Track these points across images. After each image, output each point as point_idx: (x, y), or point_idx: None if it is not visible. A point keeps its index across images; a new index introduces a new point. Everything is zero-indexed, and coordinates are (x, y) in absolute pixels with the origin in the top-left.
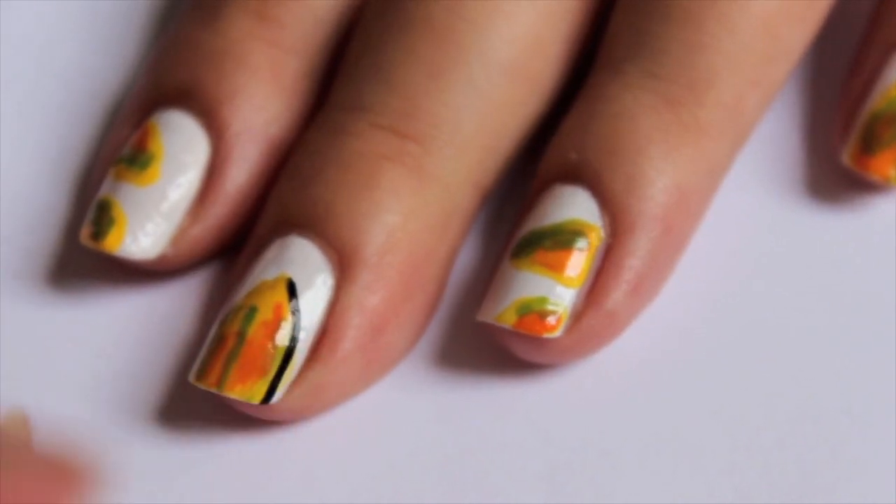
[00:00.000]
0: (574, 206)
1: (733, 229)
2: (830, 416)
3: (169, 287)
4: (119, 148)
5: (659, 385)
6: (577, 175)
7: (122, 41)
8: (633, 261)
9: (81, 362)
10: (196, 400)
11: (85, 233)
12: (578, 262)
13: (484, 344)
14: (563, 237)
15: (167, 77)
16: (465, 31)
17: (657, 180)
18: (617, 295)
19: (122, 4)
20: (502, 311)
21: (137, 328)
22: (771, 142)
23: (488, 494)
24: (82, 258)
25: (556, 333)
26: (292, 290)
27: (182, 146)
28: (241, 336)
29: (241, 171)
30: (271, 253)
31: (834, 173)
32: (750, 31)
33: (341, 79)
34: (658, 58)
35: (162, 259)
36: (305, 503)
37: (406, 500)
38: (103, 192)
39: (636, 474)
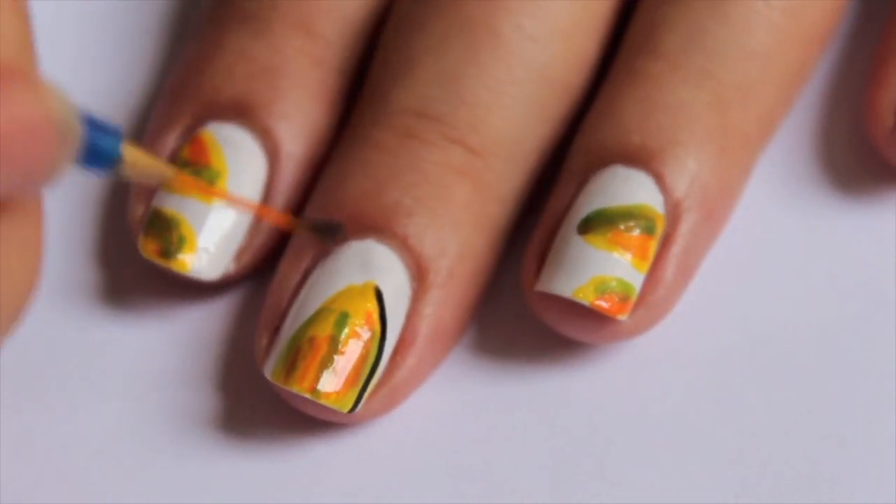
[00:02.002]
0: (643, 191)
1: (735, 228)
2: (837, 410)
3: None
4: (170, 154)
5: (664, 375)
6: (639, 159)
7: (130, 40)
8: (684, 250)
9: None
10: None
11: (150, 247)
12: (651, 248)
13: (488, 335)
14: (640, 222)
15: (221, 88)
16: (532, 51)
17: (711, 177)
18: (670, 280)
19: (124, 5)
20: (581, 287)
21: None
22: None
23: (493, 484)
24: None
25: (626, 316)
26: (379, 298)
27: (243, 164)
28: (335, 342)
29: (293, 191)
30: (352, 257)
31: (831, 168)
32: (793, 48)
33: (400, 78)
34: (714, 58)
35: (223, 277)
36: (309, 494)
37: (412, 490)
38: (167, 205)
39: (641, 465)
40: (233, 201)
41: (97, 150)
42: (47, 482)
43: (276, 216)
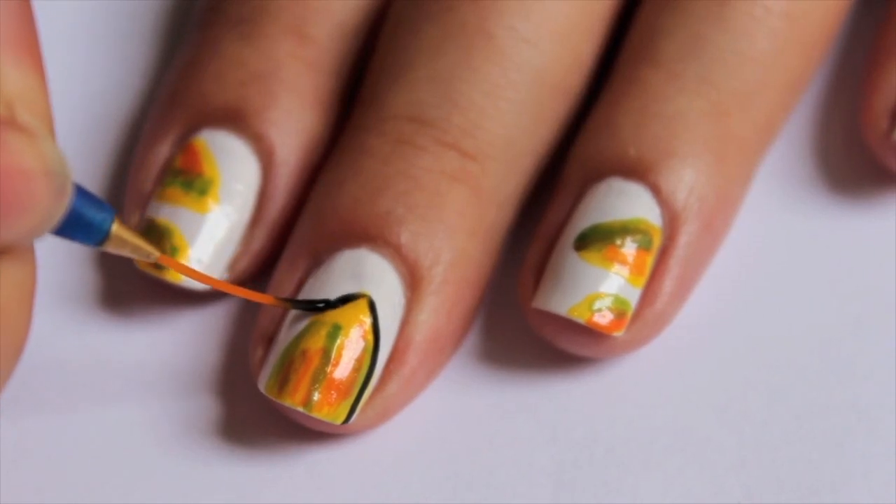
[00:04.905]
0: (639, 205)
1: (732, 234)
2: (838, 413)
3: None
4: (163, 163)
5: (666, 382)
6: (635, 172)
7: (125, 44)
8: (682, 262)
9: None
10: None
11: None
12: (648, 263)
13: (490, 341)
14: (636, 237)
15: (212, 95)
16: (526, 54)
17: (709, 187)
18: (668, 293)
19: (121, 6)
20: (576, 305)
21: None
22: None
23: (495, 491)
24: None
25: (622, 332)
26: (372, 309)
27: (236, 172)
28: (327, 355)
29: (287, 198)
30: (344, 266)
31: (828, 171)
32: (793, 53)
33: (393, 83)
34: (712, 65)
35: None
36: (310, 501)
37: (414, 496)
38: (160, 215)
39: (643, 471)
40: (231, 290)
41: (88, 224)
42: (45, 487)
43: (263, 297)
